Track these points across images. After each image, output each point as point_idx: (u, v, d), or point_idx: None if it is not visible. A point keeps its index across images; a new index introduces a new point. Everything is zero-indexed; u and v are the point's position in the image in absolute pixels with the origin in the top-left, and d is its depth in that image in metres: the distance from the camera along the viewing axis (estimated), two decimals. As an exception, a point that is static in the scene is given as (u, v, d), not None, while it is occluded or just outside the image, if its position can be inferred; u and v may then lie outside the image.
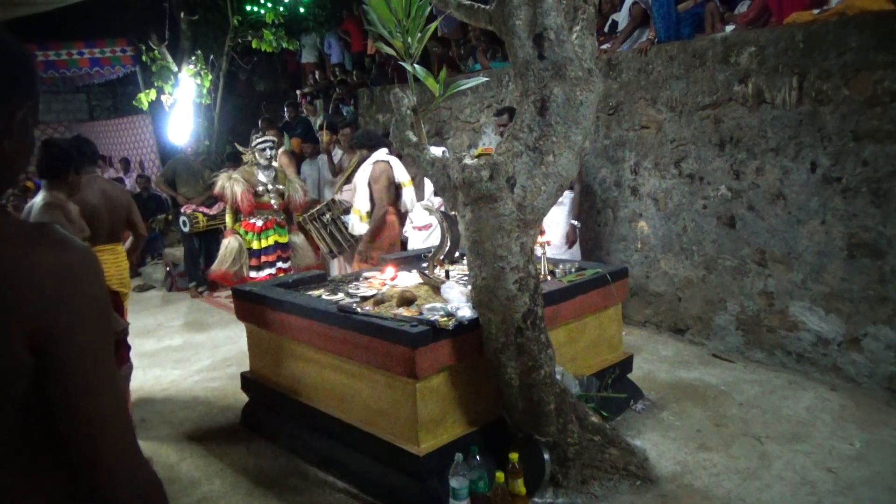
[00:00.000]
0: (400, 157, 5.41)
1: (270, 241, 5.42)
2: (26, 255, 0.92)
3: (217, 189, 5.36)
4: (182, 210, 7.15)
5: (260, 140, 5.45)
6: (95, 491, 0.95)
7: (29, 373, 0.92)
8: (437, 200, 5.69)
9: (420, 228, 5.80)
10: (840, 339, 3.98)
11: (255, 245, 5.36)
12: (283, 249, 5.52)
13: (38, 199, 3.33)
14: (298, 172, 7.34)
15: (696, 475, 3.08)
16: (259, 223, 5.38)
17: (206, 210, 7.09)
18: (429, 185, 5.74)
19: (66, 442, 0.95)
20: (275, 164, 5.57)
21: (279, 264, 5.47)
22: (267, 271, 5.35)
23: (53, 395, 0.93)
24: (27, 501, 0.97)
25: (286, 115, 9.13)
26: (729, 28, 4.68)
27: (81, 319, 0.95)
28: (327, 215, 5.91)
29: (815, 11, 4.08)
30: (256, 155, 5.42)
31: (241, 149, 5.94)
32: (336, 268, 6.31)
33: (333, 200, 6.19)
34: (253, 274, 5.31)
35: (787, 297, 4.22)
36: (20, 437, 0.96)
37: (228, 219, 5.42)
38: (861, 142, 3.76)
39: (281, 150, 7.29)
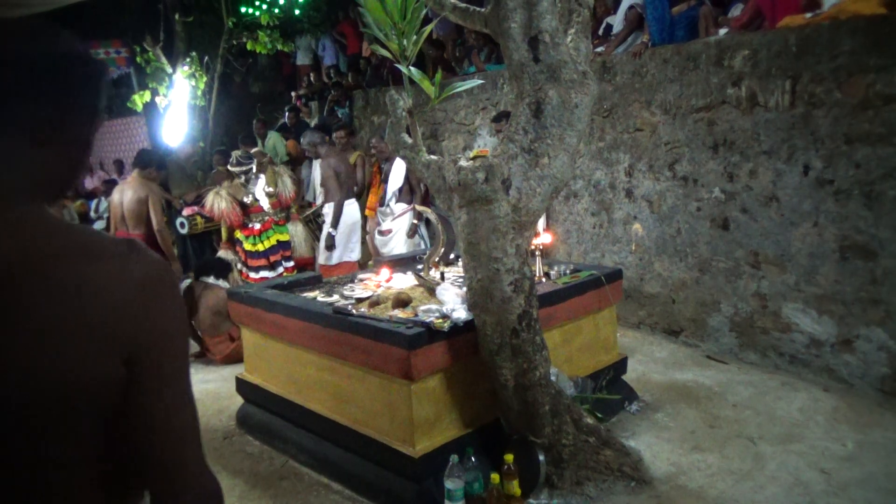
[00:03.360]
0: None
1: (273, 240, 5.46)
2: (117, 270, 0.93)
3: (206, 206, 5.39)
4: (181, 212, 7.14)
5: (237, 170, 5.45)
6: (172, 494, 0.99)
7: (122, 386, 0.95)
8: (401, 206, 5.77)
9: (383, 233, 5.89)
10: (833, 340, 4.01)
11: (259, 247, 5.40)
12: (285, 248, 5.56)
13: None
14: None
15: (691, 476, 3.09)
16: (257, 226, 5.41)
17: (203, 212, 7.09)
18: (391, 187, 5.80)
19: (143, 451, 0.98)
20: (260, 174, 5.59)
21: (284, 263, 5.50)
22: (279, 270, 5.40)
23: (138, 405, 0.96)
24: None
25: (286, 119, 9.13)
26: (722, 31, 4.70)
27: (169, 331, 0.98)
28: (321, 217, 5.94)
29: (808, 15, 4.10)
30: (234, 174, 5.44)
31: (221, 168, 5.97)
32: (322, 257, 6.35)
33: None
34: (266, 273, 5.34)
35: (781, 298, 4.24)
36: (97, 447, 0.98)
37: (223, 232, 5.46)
38: (853, 145, 3.79)
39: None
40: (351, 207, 5.91)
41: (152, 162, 5.25)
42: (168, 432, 0.98)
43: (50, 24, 1.06)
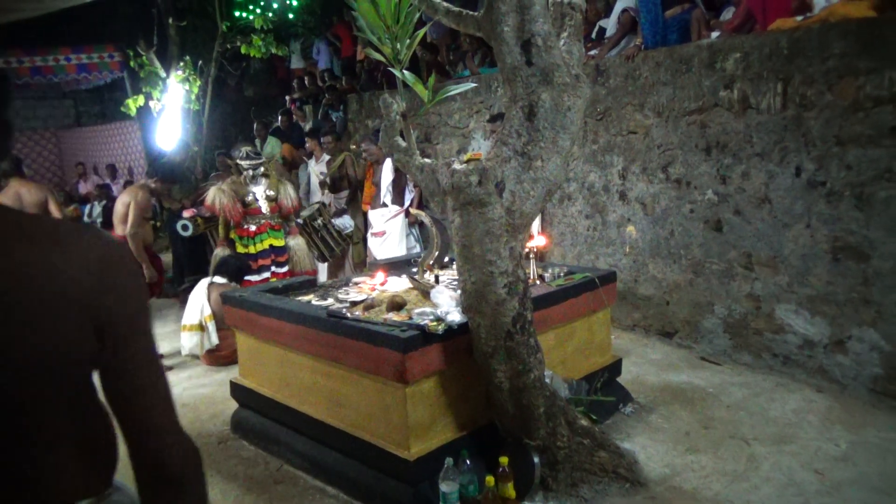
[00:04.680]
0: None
1: (265, 244, 5.42)
2: (76, 249, 1.00)
3: (207, 202, 5.37)
4: (181, 215, 7.11)
5: (246, 164, 5.44)
6: (149, 453, 1.06)
7: (94, 357, 1.03)
8: (394, 208, 5.79)
9: (376, 234, 5.91)
10: (826, 341, 4.03)
11: (250, 249, 5.36)
12: (277, 253, 5.50)
13: None
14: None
15: (685, 477, 3.09)
16: (252, 228, 5.38)
17: (203, 211, 7.06)
18: (383, 187, 5.84)
19: (121, 409, 1.06)
20: (269, 169, 5.58)
21: (274, 268, 5.45)
22: (264, 275, 5.35)
23: (114, 369, 1.04)
24: (76, 480, 1.06)
25: (279, 122, 9.11)
26: (714, 35, 4.73)
27: (131, 303, 1.05)
28: (318, 220, 5.92)
29: (799, 18, 4.13)
30: (243, 167, 5.42)
31: (229, 161, 5.94)
32: (325, 274, 6.32)
33: (324, 204, 6.20)
34: (250, 277, 5.31)
35: (774, 300, 4.26)
36: (73, 420, 1.05)
37: (221, 229, 5.42)
38: (844, 146, 3.81)
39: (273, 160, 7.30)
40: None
41: (156, 172, 5.45)
42: (141, 394, 1.05)
43: None
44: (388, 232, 5.87)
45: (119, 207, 5.14)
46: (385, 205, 5.89)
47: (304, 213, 5.88)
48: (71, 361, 1.00)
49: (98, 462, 1.10)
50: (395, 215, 5.87)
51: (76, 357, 1.01)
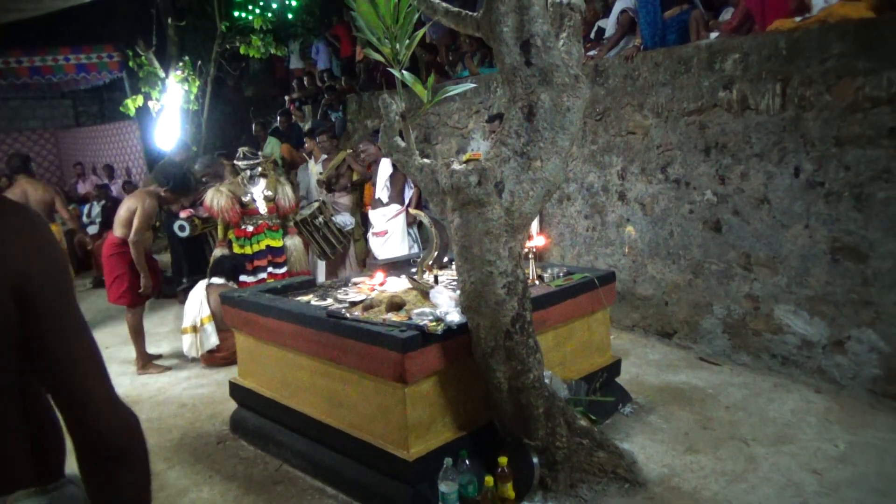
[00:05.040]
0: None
1: (262, 245, 5.41)
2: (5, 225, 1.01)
3: (206, 202, 5.36)
4: (178, 216, 7.09)
5: (243, 164, 5.43)
6: (84, 425, 1.04)
7: (17, 325, 1.02)
8: (395, 208, 5.79)
9: (378, 234, 5.90)
10: (824, 341, 4.03)
11: (247, 250, 5.35)
12: (274, 254, 5.49)
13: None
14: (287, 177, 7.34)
15: (684, 478, 3.10)
16: (250, 228, 5.37)
17: (200, 212, 7.05)
18: (379, 187, 5.85)
19: (52, 383, 1.05)
20: (267, 169, 5.58)
21: (270, 269, 5.43)
22: (259, 276, 5.34)
23: (39, 339, 1.03)
24: (12, 470, 1.05)
25: (278, 123, 9.10)
26: (713, 35, 4.74)
27: (51, 269, 1.05)
28: (319, 218, 5.91)
29: (798, 19, 4.13)
30: (240, 168, 5.42)
31: (226, 163, 5.94)
32: (323, 273, 6.32)
33: (325, 203, 6.19)
34: (246, 278, 5.29)
35: (773, 300, 4.26)
36: (13, 403, 1.05)
37: (220, 230, 5.41)
38: (843, 147, 3.82)
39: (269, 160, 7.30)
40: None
41: (168, 181, 5.15)
42: (70, 363, 1.04)
43: None
44: (390, 231, 5.86)
45: (123, 212, 5.03)
46: (381, 200, 5.88)
47: (305, 212, 5.88)
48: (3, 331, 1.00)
49: (39, 451, 1.08)
50: (397, 215, 5.87)
51: (5, 325, 1.00)
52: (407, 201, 5.86)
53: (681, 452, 3.33)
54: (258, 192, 5.42)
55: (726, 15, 4.99)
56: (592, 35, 6.12)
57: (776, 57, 4.07)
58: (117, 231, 5.01)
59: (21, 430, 1.06)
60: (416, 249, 5.90)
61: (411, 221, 6.02)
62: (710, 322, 4.65)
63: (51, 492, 1.08)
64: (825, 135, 3.89)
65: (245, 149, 5.58)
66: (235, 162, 5.45)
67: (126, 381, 4.76)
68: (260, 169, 5.45)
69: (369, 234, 6.14)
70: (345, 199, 6.49)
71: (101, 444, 1.03)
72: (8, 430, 1.04)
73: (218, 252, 5.36)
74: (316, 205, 6.01)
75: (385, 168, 5.84)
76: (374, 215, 5.99)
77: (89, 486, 1.06)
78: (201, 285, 5.12)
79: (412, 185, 5.81)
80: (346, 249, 6.25)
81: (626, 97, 5.04)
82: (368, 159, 6.15)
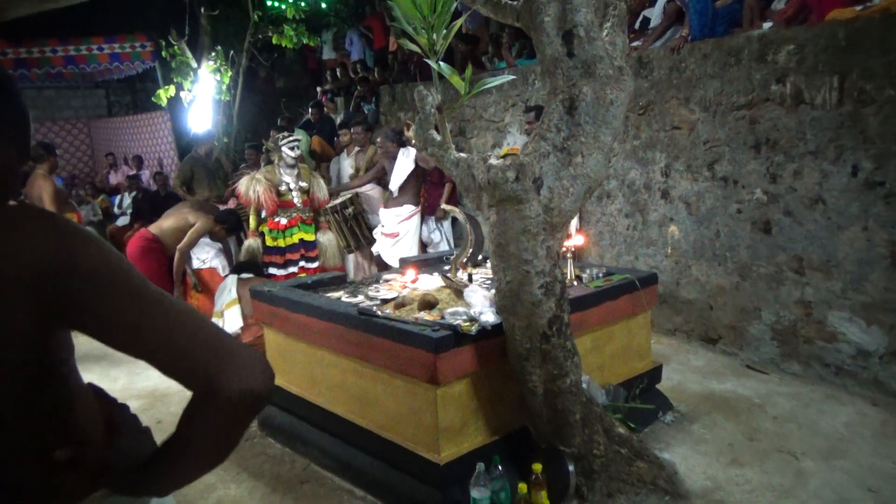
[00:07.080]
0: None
1: (295, 238, 5.38)
2: (25, 233, 0.96)
3: (240, 191, 5.33)
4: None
5: (287, 140, 5.40)
6: (209, 397, 0.97)
7: (47, 341, 0.99)
8: (408, 209, 5.69)
9: (388, 235, 5.77)
10: (882, 351, 3.82)
11: (280, 243, 5.32)
12: (307, 248, 5.45)
13: None
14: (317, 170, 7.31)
15: (728, 491, 2.95)
16: (283, 221, 5.34)
17: (232, 206, 7.09)
18: (393, 185, 5.75)
19: (169, 367, 1.00)
20: (299, 163, 5.54)
21: (302, 263, 5.40)
22: (290, 269, 5.31)
23: (107, 337, 0.99)
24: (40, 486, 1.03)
25: (310, 114, 9.06)
26: (766, 25, 4.52)
27: (99, 267, 0.99)
28: (350, 209, 5.87)
29: (858, 8, 3.91)
30: (284, 151, 5.37)
31: (270, 145, 5.89)
32: (353, 268, 6.27)
33: (357, 195, 6.14)
34: (276, 272, 5.27)
35: (826, 306, 4.06)
36: (31, 408, 1.01)
37: (252, 221, 5.38)
38: (907, 144, 3.60)
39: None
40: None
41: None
42: (167, 340, 0.98)
43: None
44: (402, 233, 5.73)
45: (179, 219, 5.16)
46: (393, 193, 5.78)
47: (336, 201, 5.84)
48: (23, 345, 0.96)
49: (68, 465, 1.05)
50: (410, 216, 5.74)
51: (23, 345, 0.96)
52: (443, 200, 5.76)
53: (725, 465, 3.18)
54: (293, 182, 5.38)
55: (779, 4, 4.76)
56: (637, 25, 5.94)
57: (834, 48, 3.86)
58: (159, 230, 5.04)
59: (45, 442, 1.03)
60: (444, 246, 5.81)
61: (440, 216, 5.92)
62: (758, 328, 4.46)
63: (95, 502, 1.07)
64: (886, 131, 3.68)
65: (280, 134, 5.57)
66: (279, 142, 5.40)
67: (154, 375, 4.75)
68: (299, 150, 5.43)
69: (377, 233, 6.00)
70: (375, 193, 6.39)
71: (213, 393, 0.97)
72: (31, 442, 1.02)
73: (249, 242, 5.35)
74: (348, 196, 5.97)
75: (403, 165, 5.72)
76: (386, 214, 5.86)
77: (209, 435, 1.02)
78: (231, 279, 5.11)
79: (429, 182, 5.70)
80: (370, 245, 6.16)
81: (672, 90, 4.86)
82: (385, 155, 6.02)
